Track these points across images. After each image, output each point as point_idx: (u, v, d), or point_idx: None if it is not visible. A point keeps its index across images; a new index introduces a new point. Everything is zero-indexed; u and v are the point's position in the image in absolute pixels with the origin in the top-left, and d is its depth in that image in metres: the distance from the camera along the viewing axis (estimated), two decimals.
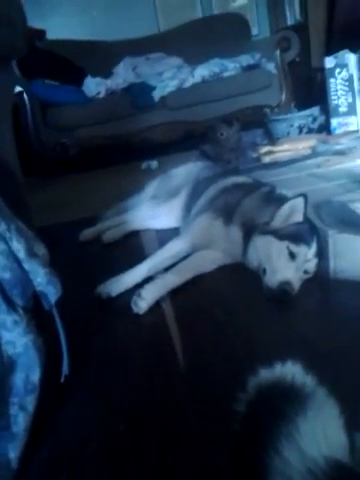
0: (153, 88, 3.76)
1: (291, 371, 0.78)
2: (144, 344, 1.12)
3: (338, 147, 2.40)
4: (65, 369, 0.85)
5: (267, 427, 0.68)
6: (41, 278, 0.78)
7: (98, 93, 3.80)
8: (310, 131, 2.95)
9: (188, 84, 3.84)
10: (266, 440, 0.65)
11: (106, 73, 3.96)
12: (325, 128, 2.90)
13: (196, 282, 1.37)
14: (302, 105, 3.51)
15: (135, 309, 1.23)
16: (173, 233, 1.69)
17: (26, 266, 0.76)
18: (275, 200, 1.40)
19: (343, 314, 1.13)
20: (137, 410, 0.89)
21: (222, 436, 0.77)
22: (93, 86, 3.82)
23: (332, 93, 2.85)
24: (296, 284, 1.21)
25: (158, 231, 1.87)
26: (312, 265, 1.27)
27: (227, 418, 0.74)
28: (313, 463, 0.55)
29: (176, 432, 0.82)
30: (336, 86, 2.82)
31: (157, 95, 3.74)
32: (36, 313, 0.83)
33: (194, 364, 1.00)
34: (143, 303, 1.23)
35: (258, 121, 3.44)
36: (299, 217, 1.29)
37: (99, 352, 1.11)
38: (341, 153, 2.21)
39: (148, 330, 1.18)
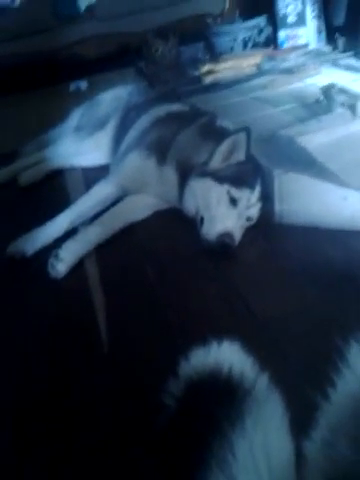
0: None
1: (228, 357, 0.66)
2: (61, 315, 0.95)
3: (286, 64, 2.17)
4: None
5: (194, 442, 0.55)
6: None
7: (12, 1, 3.23)
8: (256, 45, 2.67)
9: None
10: (193, 463, 0.52)
11: None
12: (272, 41, 2.62)
13: (126, 233, 1.19)
14: (247, 14, 3.15)
15: (52, 273, 1.05)
16: (102, 171, 1.46)
17: None
18: (214, 134, 1.22)
19: (289, 268, 1.00)
20: (42, 398, 0.74)
21: (142, 438, 0.65)
22: None
23: (280, 0, 2.54)
24: (237, 234, 1.07)
25: (85, 169, 1.63)
26: (255, 211, 1.13)
27: (150, 415, 0.61)
28: None
29: (90, 428, 0.69)
30: None
31: (83, 3, 3.23)
32: None
33: (119, 340, 0.86)
34: (61, 265, 1.05)
35: (199, 33, 3.08)
36: (241, 155, 1.12)
37: (3, 325, 0.94)
38: (289, 71, 1.99)
39: (67, 298, 1.01)
